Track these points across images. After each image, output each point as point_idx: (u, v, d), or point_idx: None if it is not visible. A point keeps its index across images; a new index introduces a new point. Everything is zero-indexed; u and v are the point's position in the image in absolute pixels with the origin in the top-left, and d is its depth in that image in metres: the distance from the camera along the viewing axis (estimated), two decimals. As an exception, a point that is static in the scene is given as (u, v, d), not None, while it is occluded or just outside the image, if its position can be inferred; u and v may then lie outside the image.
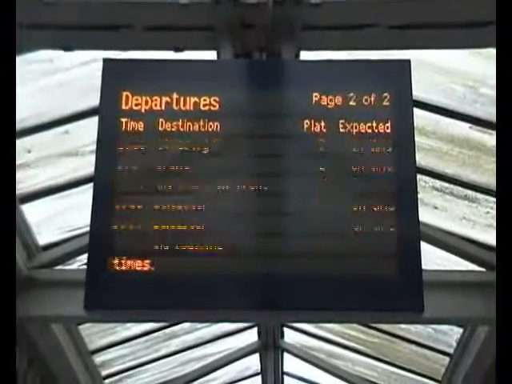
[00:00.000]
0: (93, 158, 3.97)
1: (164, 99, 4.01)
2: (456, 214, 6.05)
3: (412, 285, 3.71)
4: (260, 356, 9.31)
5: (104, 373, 8.18)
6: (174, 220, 3.79)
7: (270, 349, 9.14)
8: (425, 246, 5.17)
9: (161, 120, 3.97)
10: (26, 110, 5.04)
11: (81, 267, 6.03)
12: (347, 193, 3.84)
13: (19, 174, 5.30)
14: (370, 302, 3.73)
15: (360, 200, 3.82)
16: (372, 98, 4.00)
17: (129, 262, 3.76)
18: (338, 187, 3.86)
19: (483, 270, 5.87)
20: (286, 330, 8.98)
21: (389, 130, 3.94)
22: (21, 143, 5.22)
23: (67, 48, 4.57)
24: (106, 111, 4.02)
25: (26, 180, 5.60)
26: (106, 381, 8.30)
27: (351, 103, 4.00)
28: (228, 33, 4.34)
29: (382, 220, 3.78)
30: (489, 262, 5.76)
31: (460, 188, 5.82)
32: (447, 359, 7.47)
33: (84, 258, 5.44)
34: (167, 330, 8.14)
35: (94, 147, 3.99)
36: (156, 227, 3.78)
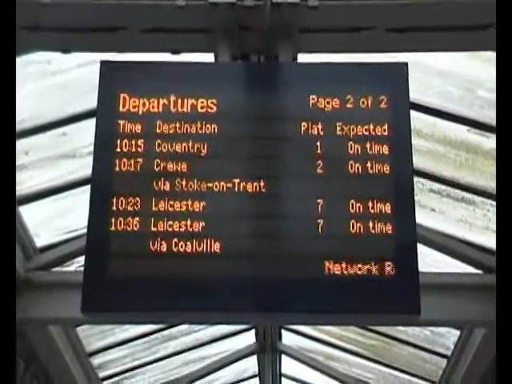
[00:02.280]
0: (90, 159, 3.97)
1: (161, 101, 4.01)
2: (453, 217, 6.05)
3: (409, 287, 3.71)
4: (258, 358, 9.30)
5: (102, 375, 8.18)
6: (172, 222, 3.80)
7: (268, 351, 9.13)
8: (422, 249, 5.17)
9: (158, 122, 3.97)
10: (23, 112, 5.03)
11: (78, 269, 6.03)
12: (344, 195, 3.84)
13: (17, 176, 5.30)
14: (368, 305, 3.73)
15: (357, 202, 3.82)
16: (369, 101, 4.01)
17: (126, 263, 3.76)
18: (335, 189, 3.86)
19: (480, 272, 5.87)
20: (283, 332, 8.97)
21: (386, 133, 3.95)
22: (18, 145, 5.22)
23: (65, 50, 4.57)
24: (104, 113, 4.02)
25: (23, 182, 5.60)
26: (104, 383, 8.31)
27: (348, 106, 4.00)
28: (225, 35, 4.34)
29: (378, 222, 3.79)
30: (486, 264, 5.76)
31: (457, 190, 5.83)
32: (444, 361, 7.48)
33: (81, 259, 5.44)
34: (165, 332, 8.13)
35: (91, 149, 4.00)
36: (153, 229, 3.78)
